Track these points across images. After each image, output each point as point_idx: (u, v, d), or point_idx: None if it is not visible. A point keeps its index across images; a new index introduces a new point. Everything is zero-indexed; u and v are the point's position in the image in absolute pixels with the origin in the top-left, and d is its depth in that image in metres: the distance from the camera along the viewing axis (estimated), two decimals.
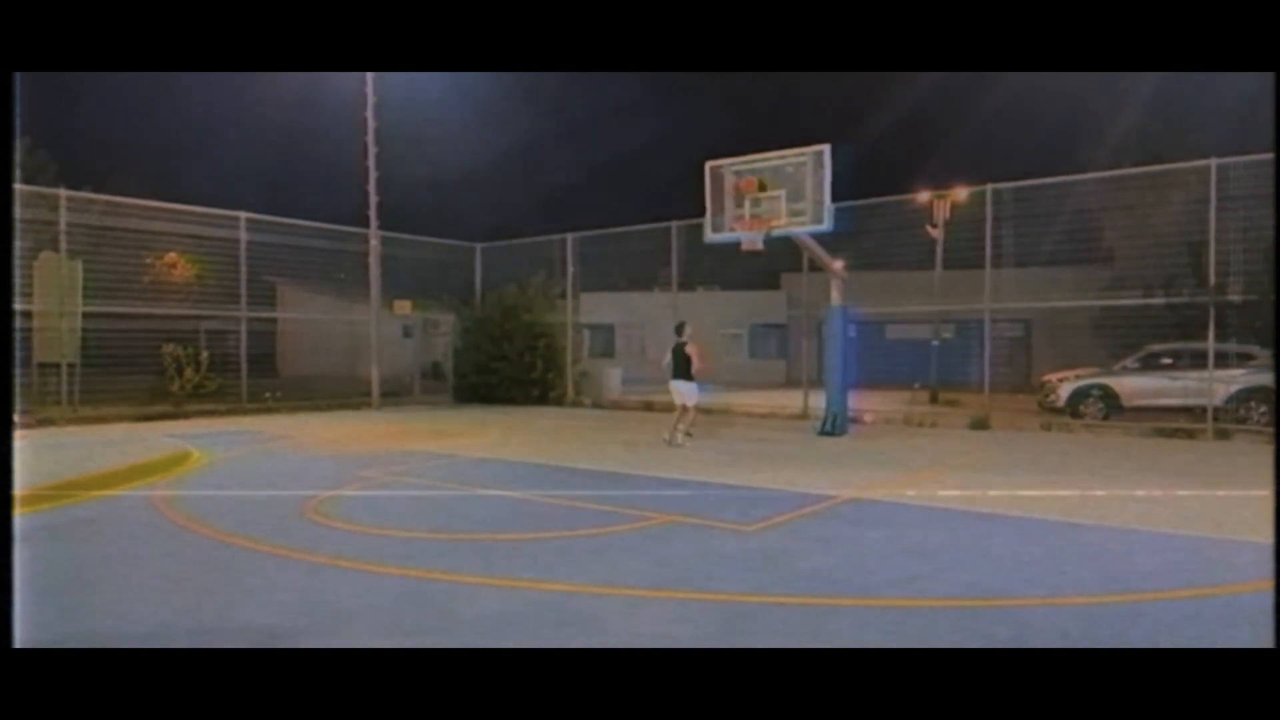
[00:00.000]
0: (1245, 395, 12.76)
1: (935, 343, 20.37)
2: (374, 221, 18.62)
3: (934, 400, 18.58)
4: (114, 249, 15.23)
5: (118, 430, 13.12)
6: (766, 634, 3.91)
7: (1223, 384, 12.67)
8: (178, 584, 4.75)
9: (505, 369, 19.22)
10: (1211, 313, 12.25)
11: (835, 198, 11.35)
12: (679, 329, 11.48)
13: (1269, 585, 4.39)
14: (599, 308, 23.12)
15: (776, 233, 11.51)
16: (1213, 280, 12.28)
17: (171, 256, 17.89)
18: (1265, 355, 13.03)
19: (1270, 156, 10.88)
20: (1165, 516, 6.50)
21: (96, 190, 16.36)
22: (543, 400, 19.00)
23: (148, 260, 16.79)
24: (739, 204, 11.79)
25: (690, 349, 11.27)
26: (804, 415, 15.08)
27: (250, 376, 16.99)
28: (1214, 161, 12.02)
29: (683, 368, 11.25)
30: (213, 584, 4.75)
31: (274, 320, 20.78)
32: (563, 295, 19.64)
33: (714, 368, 13.14)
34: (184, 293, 17.72)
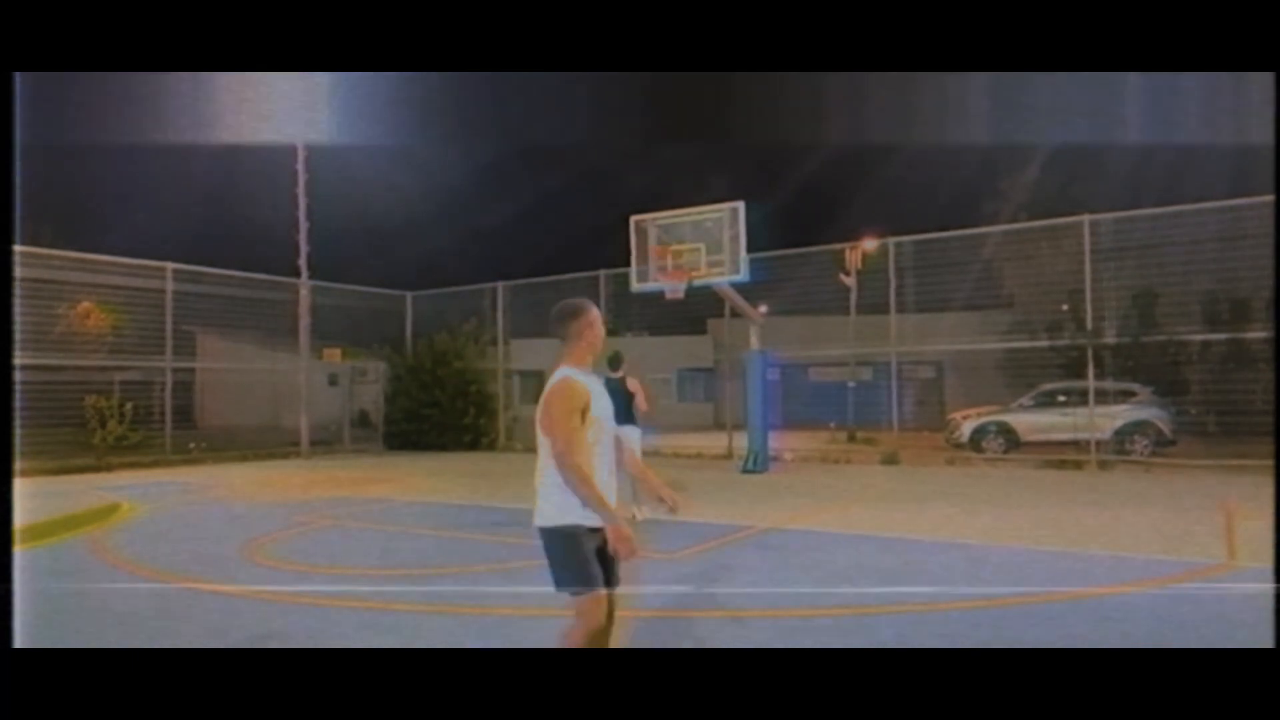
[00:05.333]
0: (1129, 430, 13.92)
1: (851, 384, 21.40)
2: (304, 271, 18.75)
3: (851, 439, 19.49)
4: (33, 300, 14.99)
5: (35, 484, 12.84)
6: (688, 641, 4.40)
7: (1108, 419, 13.80)
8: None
9: (436, 415, 19.39)
10: (1090, 353, 13.46)
11: (752, 249, 12.18)
12: (614, 361, 8.82)
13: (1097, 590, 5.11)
14: (529, 354, 23.51)
15: (697, 283, 12.25)
16: (1090, 324, 13.53)
17: (85, 306, 17.55)
18: (1146, 392, 14.29)
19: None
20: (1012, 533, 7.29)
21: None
22: (474, 446, 19.20)
23: (58, 311, 16.46)
24: (661, 255, 12.52)
25: (632, 384, 8.74)
26: (728, 455, 15.71)
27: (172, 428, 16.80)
28: (1086, 218, 13.34)
29: (624, 408, 7.74)
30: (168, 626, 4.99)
31: (192, 371, 20.50)
32: (494, 342, 20.01)
33: (655, 410, 9.86)
34: (97, 343, 17.39)
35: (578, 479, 2.98)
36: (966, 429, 15.58)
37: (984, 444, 15.17)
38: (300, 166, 18.75)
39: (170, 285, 16.66)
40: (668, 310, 17.37)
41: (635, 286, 13.03)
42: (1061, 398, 15.01)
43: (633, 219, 12.93)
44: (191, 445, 17.19)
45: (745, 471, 13.22)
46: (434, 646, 4.31)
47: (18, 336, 14.43)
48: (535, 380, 27.50)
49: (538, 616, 4.95)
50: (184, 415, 19.62)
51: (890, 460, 14.41)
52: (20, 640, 2.59)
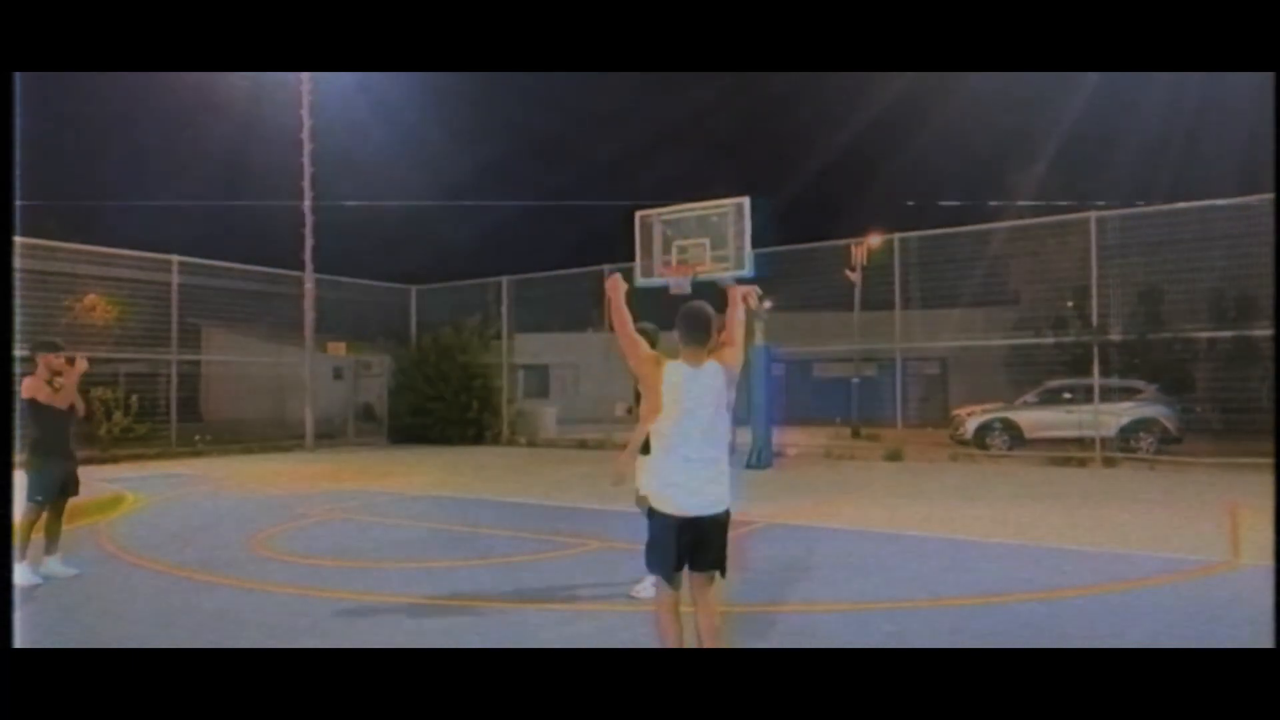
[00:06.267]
0: (1135, 427, 13.87)
1: (856, 380, 21.38)
2: (309, 265, 18.77)
3: (855, 435, 19.45)
4: (38, 292, 15.03)
5: None
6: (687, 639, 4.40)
7: (1113, 417, 13.74)
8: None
9: (441, 409, 19.42)
10: (1095, 350, 13.40)
11: (757, 244, 12.15)
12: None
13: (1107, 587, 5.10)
14: (533, 348, 23.55)
15: (702, 278, 12.22)
16: (1095, 321, 13.48)
17: (91, 299, 17.60)
18: (1151, 390, 14.24)
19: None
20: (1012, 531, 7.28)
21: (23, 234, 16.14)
22: (478, 440, 19.23)
23: (65, 304, 16.49)
24: (666, 250, 12.50)
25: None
26: (732, 450, 15.65)
27: (176, 420, 16.87)
28: (1093, 215, 13.28)
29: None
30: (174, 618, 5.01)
31: (198, 363, 20.56)
32: (498, 336, 20.03)
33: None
34: (102, 335, 17.44)
35: None
36: (971, 426, 15.54)
37: (988, 441, 15.12)
38: (306, 159, 18.75)
39: (176, 278, 16.71)
40: (672, 305, 17.46)
41: (640, 281, 12.99)
42: (1066, 395, 14.94)
43: (638, 214, 12.89)
44: (196, 438, 17.25)
45: (748, 467, 13.21)
46: (434, 645, 4.31)
47: (22, 329, 14.49)
48: (538, 374, 27.63)
49: (538, 611, 4.96)
50: (189, 408, 19.68)
51: (894, 457, 14.38)
52: (20, 632, 2.60)
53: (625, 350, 3.47)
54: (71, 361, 6.10)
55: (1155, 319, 14.14)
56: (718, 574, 3.47)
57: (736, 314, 3.74)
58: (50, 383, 5.87)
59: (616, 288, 3.57)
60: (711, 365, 3.38)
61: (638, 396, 3.88)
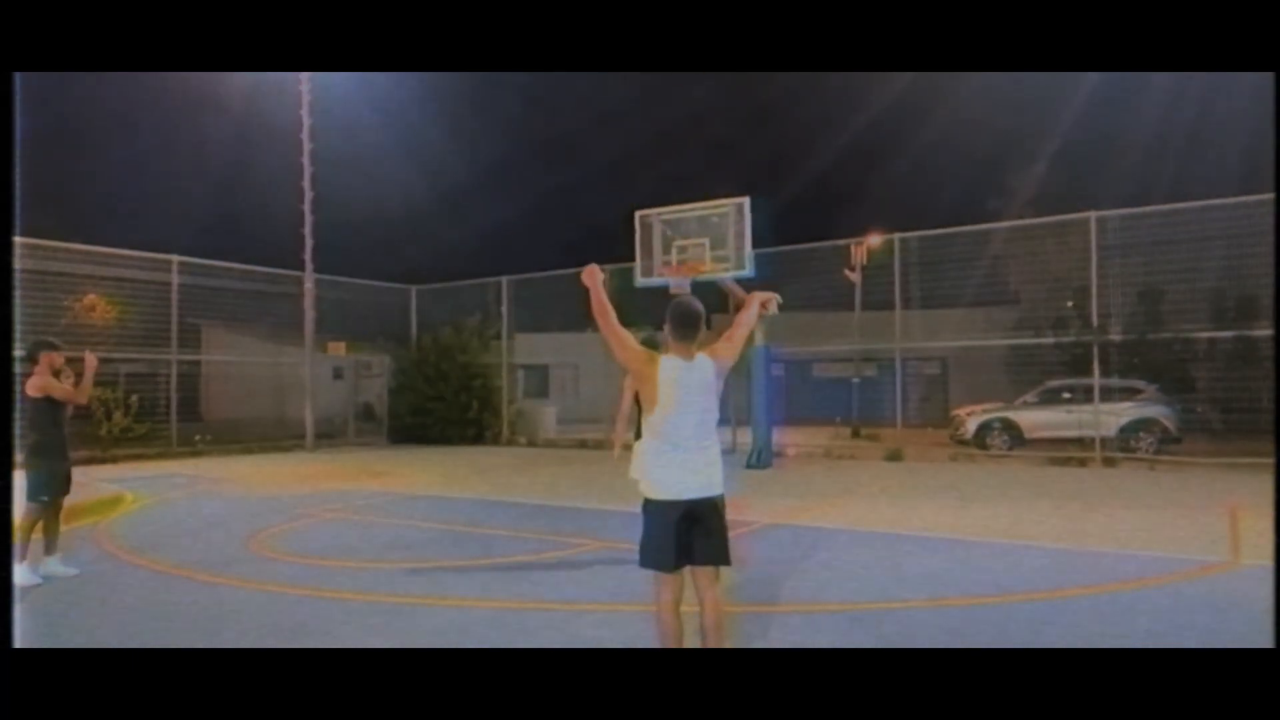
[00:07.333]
0: (1134, 427, 13.87)
1: (856, 380, 21.37)
2: (309, 265, 18.77)
3: (856, 435, 19.45)
4: (38, 292, 15.04)
5: None
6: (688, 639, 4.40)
7: (1113, 417, 13.74)
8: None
9: (441, 409, 19.43)
10: (1095, 350, 13.41)
11: (758, 244, 12.16)
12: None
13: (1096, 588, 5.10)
14: (533, 348, 23.54)
15: (702, 278, 12.22)
16: (1095, 321, 13.48)
17: (90, 299, 17.60)
18: (1151, 390, 14.24)
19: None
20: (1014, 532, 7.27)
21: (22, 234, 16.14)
22: (478, 440, 19.23)
23: (65, 304, 16.48)
24: (666, 250, 12.51)
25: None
26: (732, 450, 15.69)
27: (176, 420, 16.88)
28: (1093, 214, 13.29)
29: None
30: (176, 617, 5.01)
31: (198, 363, 20.56)
32: (497, 336, 20.04)
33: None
34: (102, 335, 17.44)
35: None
36: (971, 425, 15.54)
37: (988, 441, 15.12)
38: (306, 160, 18.75)
39: (176, 278, 16.72)
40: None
41: (639, 281, 13.01)
42: (1066, 395, 14.93)
43: (638, 214, 12.90)
44: (196, 437, 17.25)
45: (749, 467, 13.23)
46: (434, 645, 4.31)
47: (22, 329, 14.47)
48: (538, 374, 27.61)
49: (538, 611, 4.97)
50: (189, 408, 19.65)
51: (894, 457, 14.39)
52: (20, 632, 2.60)
53: (613, 344, 3.39)
54: (69, 361, 6.10)
55: (1155, 319, 14.14)
56: (722, 570, 3.48)
57: (747, 316, 3.76)
58: (58, 375, 5.87)
59: (594, 276, 3.50)
60: (701, 359, 3.40)
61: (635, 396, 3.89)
